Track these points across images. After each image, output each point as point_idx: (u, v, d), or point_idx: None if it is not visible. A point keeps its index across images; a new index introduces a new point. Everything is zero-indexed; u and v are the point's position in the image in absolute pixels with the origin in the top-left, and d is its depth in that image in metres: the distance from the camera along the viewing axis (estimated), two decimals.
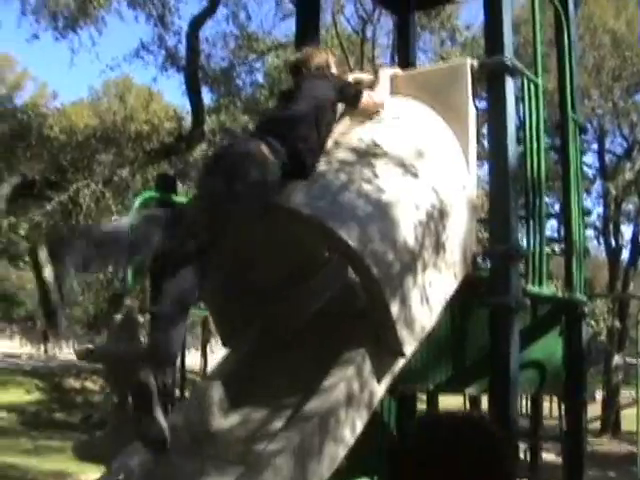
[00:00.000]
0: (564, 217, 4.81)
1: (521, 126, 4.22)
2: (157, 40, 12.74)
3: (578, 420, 4.82)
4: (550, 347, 4.93)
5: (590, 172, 23.70)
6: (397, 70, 4.43)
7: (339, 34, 13.80)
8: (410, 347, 3.31)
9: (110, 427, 4.63)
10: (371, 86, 4.08)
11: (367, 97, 3.90)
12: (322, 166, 3.51)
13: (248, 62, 15.40)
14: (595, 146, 21.35)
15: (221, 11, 13.65)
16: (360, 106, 3.94)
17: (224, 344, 4.01)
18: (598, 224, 22.30)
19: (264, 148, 3.28)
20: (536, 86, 4.18)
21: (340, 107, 3.87)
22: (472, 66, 3.96)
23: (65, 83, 59.54)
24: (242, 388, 3.59)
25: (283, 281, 3.98)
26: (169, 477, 3.15)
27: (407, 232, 3.32)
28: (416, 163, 3.62)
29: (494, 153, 3.94)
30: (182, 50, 12.26)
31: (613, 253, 21.90)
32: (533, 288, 4.00)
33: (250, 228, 3.42)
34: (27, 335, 41.26)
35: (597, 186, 22.12)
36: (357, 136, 3.78)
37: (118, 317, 4.96)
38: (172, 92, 31.02)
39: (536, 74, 4.22)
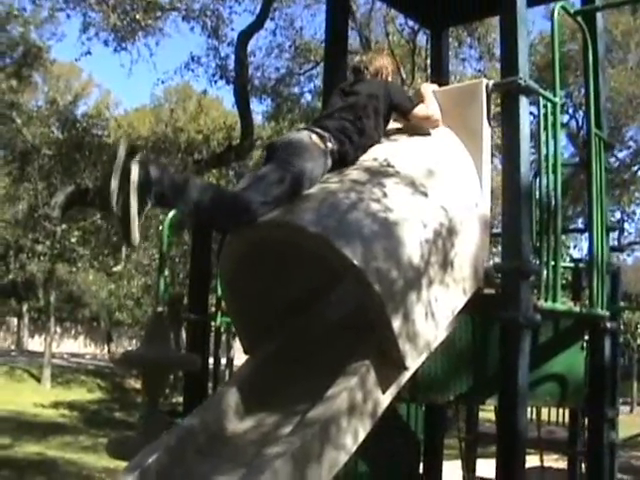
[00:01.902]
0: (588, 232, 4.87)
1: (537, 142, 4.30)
2: (211, 51, 13.08)
3: (599, 434, 4.86)
4: (571, 361, 4.99)
5: None
6: (435, 86, 4.57)
7: (390, 44, 13.94)
8: (413, 361, 3.44)
9: (141, 427, 4.86)
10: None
11: (423, 110, 4.15)
12: (335, 185, 3.67)
13: (302, 72, 15.63)
14: None
15: (273, 22, 13.98)
16: (414, 118, 4.19)
17: (245, 352, 4.19)
18: None
19: (313, 136, 3.67)
20: (554, 105, 4.26)
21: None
22: (487, 86, 4.09)
23: (129, 90, 61.00)
24: (258, 394, 3.77)
25: (305, 293, 4.17)
26: (183, 476, 3.33)
27: (413, 250, 3.45)
28: (427, 182, 3.75)
29: (507, 170, 4.03)
30: (232, 63, 12.54)
31: None
32: (546, 304, 4.07)
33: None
34: (91, 335, 42.28)
35: None
36: (372, 155, 3.94)
37: (149, 323, 5.19)
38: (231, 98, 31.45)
39: (554, 93, 4.30)
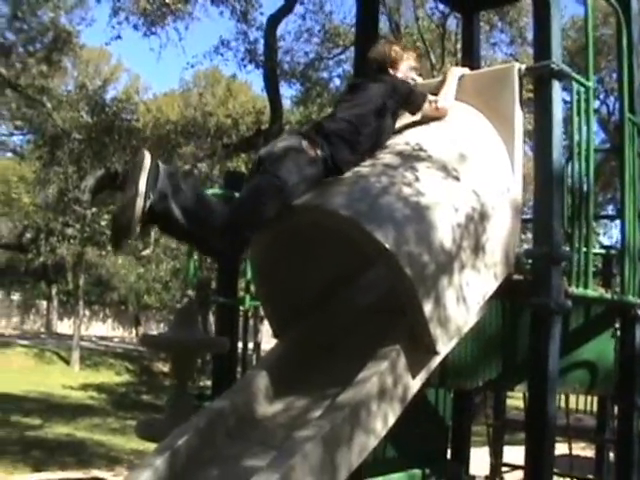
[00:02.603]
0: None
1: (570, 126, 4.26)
2: (240, 35, 13.08)
3: (629, 422, 4.83)
4: (602, 348, 4.96)
5: None
6: (466, 70, 4.52)
7: (420, 29, 13.86)
8: (444, 345, 3.44)
9: (169, 409, 4.91)
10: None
11: (428, 105, 4.07)
12: (366, 169, 3.66)
13: (332, 56, 15.60)
14: None
15: (303, 6, 13.96)
16: (420, 113, 4.12)
17: (275, 335, 4.21)
18: None
19: (304, 143, 3.49)
20: (587, 90, 4.21)
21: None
22: (519, 70, 4.05)
23: (157, 75, 61.17)
24: (288, 378, 3.78)
25: (335, 277, 4.17)
26: (213, 458, 3.35)
27: (444, 234, 3.43)
28: (459, 166, 3.73)
29: (539, 156, 4.00)
30: (261, 47, 12.53)
31: None
32: (577, 290, 4.04)
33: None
34: (119, 319, 42.66)
35: None
36: (404, 139, 3.92)
37: (179, 306, 5.23)
38: (261, 82, 31.36)
39: (587, 77, 4.25)
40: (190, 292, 4.67)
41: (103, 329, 41.63)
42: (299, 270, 3.92)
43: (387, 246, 3.21)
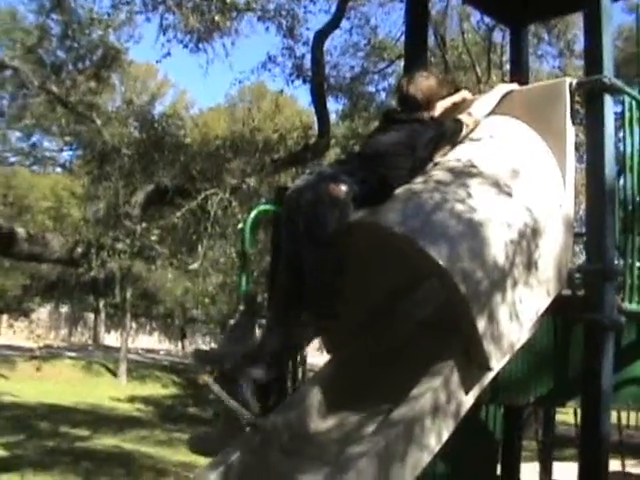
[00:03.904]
0: None
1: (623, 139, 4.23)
2: (286, 50, 13.18)
3: None
4: None
5: None
6: (514, 85, 4.53)
7: (466, 42, 13.82)
8: (497, 362, 3.44)
9: (222, 423, 4.94)
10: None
11: (465, 126, 4.08)
12: (419, 185, 3.68)
13: (377, 70, 15.63)
14: None
15: (349, 21, 14.02)
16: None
17: (328, 352, 4.23)
18: None
19: (333, 187, 3.50)
20: (638, 102, 4.19)
21: None
22: (571, 85, 4.03)
23: (203, 90, 61.86)
24: (341, 394, 3.81)
25: (388, 295, 4.19)
26: (266, 474, 3.39)
27: (497, 250, 3.44)
28: (511, 182, 3.74)
29: (591, 171, 3.99)
30: (308, 62, 12.62)
31: None
32: (630, 305, 4.01)
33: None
34: (165, 332, 43.00)
35: None
36: (455, 156, 3.94)
37: (233, 320, 5.26)
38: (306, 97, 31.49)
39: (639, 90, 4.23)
40: (242, 307, 4.70)
41: (150, 342, 41.98)
42: (353, 286, 3.94)
43: (441, 263, 3.23)
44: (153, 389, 27.33)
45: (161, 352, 38.55)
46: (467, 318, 3.27)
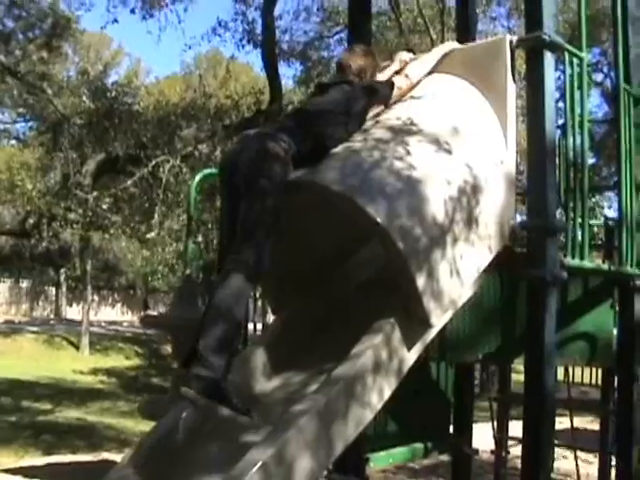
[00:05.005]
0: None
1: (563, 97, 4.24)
2: (239, 15, 13.05)
3: (629, 393, 4.85)
4: (601, 320, 4.97)
5: None
6: (454, 44, 4.54)
7: (419, 4, 13.77)
8: (438, 318, 3.45)
9: (173, 388, 4.93)
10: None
11: (397, 89, 4.05)
12: (358, 144, 3.66)
13: (332, 35, 15.54)
14: None
15: None
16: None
17: (273, 311, 4.23)
18: None
19: (273, 145, 3.46)
20: (580, 60, 4.19)
21: None
22: (511, 42, 4.02)
23: (159, 59, 61.07)
24: (285, 354, 3.81)
25: (333, 253, 4.18)
26: (211, 434, 3.38)
27: (437, 207, 3.44)
28: (451, 140, 3.73)
29: (532, 128, 3.98)
30: (260, 27, 12.50)
31: None
32: (573, 261, 4.05)
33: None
34: (128, 303, 42.81)
35: None
36: (395, 114, 3.92)
37: (178, 286, 5.23)
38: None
39: (580, 48, 4.23)
40: (189, 271, 4.68)
41: (112, 314, 41.79)
42: (295, 246, 3.93)
43: (379, 220, 3.22)
44: (116, 361, 27.20)
45: (124, 324, 38.32)
46: (406, 275, 3.27)
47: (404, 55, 4.45)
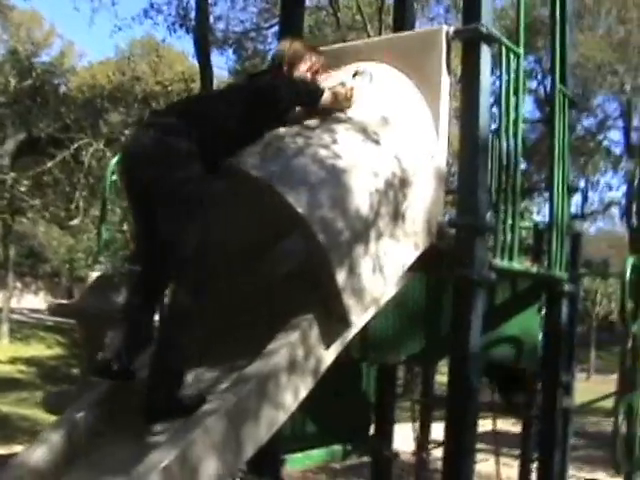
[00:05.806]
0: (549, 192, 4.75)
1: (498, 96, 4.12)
2: None
3: (552, 398, 4.80)
4: (528, 323, 4.91)
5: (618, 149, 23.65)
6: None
7: (358, 1, 13.64)
8: (358, 317, 3.28)
9: (80, 380, 4.69)
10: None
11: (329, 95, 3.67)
12: (282, 129, 3.47)
13: (268, 26, 15.34)
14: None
15: None
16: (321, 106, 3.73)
17: None
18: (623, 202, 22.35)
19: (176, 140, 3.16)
20: (517, 56, 4.08)
21: None
22: (447, 33, 3.87)
23: (93, 43, 59.91)
24: (202, 346, 3.59)
25: (252, 244, 3.96)
26: (114, 432, 3.17)
27: (361, 200, 3.26)
28: (380, 130, 3.56)
29: (465, 122, 3.85)
30: (193, 12, 12.21)
31: (636, 231, 21.76)
32: (501, 262, 3.93)
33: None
34: (52, 291, 41.84)
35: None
36: None
37: (93, 275, 4.99)
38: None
39: (517, 43, 4.12)
40: (102, 259, 4.44)
41: (35, 302, 40.75)
42: (218, 231, 3.69)
43: (299, 210, 3.04)
44: (37, 350, 26.61)
45: (47, 312, 37.49)
46: (326, 269, 3.10)
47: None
